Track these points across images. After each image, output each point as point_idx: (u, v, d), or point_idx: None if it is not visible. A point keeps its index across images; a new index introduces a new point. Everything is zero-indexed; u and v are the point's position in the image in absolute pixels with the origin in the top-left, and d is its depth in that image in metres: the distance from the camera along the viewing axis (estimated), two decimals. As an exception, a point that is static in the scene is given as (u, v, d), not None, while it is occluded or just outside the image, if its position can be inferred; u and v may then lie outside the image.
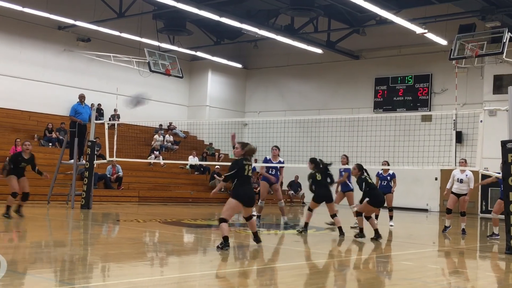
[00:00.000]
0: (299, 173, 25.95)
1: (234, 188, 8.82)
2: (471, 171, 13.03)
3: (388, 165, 14.71)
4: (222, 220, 8.62)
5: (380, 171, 14.64)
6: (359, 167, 11.21)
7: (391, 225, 14.53)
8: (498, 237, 12.31)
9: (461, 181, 13.16)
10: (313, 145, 20.16)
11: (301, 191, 26.82)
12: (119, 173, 21.09)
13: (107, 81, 25.75)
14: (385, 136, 19.62)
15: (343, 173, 14.09)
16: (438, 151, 15.47)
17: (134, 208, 18.12)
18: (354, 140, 19.56)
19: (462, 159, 13.10)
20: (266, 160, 13.59)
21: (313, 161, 11.70)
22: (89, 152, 16.05)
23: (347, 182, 13.94)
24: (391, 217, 14.79)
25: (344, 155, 14.20)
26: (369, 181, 11.12)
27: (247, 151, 9.02)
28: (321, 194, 11.48)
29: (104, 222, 13.66)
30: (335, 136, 20.00)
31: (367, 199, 11.19)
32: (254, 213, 15.18)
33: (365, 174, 11.18)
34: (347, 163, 13.95)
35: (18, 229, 10.88)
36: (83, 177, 16.35)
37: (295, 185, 26.94)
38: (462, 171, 13.07)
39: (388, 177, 14.51)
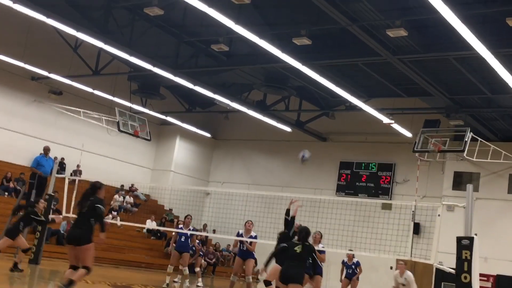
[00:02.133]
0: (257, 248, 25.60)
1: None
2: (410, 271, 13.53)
3: (352, 251, 14.83)
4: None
5: (345, 259, 14.76)
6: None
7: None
8: None
9: (402, 284, 13.60)
10: (273, 221, 20.11)
11: (255, 267, 26.37)
12: (73, 230, 20.55)
13: (74, 136, 25.45)
14: (345, 220, 19.84)
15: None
16: (395, 240, 15.63)
17: (84, 268, 17.56)
18: (315, 221, 19.58)
19: (401, 261, 13.49)
20: (238, 235, 13.45)
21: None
22: (45, 206, 15.68)
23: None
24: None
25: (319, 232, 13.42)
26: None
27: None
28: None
29: (50, 280, 13.20)
30: (296, 215, 20.02)
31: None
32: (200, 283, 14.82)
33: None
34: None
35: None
36: (35, 231, 15.90)
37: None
38: (401, 274, 13.53)
39: (353, 266, 14.66)
